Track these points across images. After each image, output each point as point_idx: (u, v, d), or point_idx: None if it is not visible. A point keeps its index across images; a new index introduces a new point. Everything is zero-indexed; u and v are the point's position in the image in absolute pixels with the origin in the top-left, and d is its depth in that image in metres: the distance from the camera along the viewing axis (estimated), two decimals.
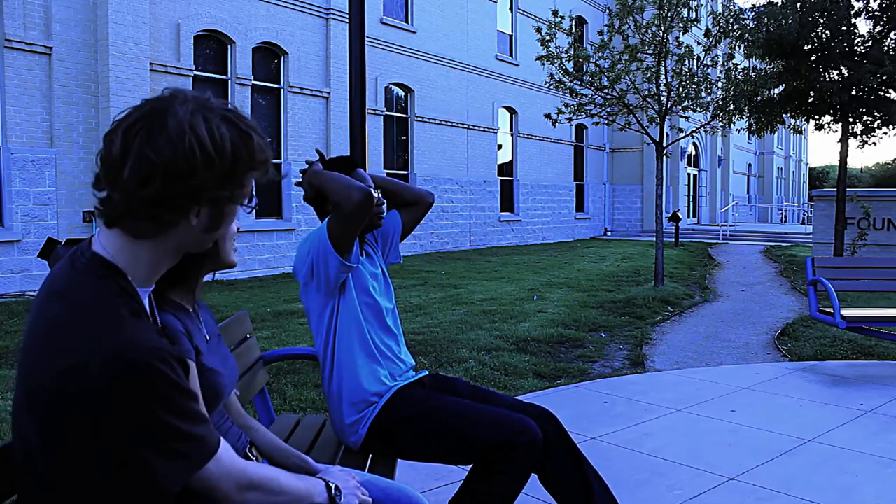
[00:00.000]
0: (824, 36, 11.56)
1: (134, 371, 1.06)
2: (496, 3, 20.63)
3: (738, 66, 10.97)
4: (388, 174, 16.82)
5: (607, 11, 11.24)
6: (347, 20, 6.46)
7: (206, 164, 1.12)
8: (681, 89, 10.00)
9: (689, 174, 30.00)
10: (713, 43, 10.27)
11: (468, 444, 2.21)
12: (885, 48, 11.36)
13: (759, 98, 11.75)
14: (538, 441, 2.18)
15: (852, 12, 11.50)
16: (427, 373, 2.51)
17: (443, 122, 18.51)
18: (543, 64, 10.43)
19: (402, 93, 17.54)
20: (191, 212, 1.15)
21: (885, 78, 11.31)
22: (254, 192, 1.27)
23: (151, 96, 1.18)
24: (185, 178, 1.11)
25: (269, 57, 13.94)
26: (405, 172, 17.57)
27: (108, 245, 1.17)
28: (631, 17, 9.92)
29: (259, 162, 1.21)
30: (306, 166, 2.35)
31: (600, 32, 10.25)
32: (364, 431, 2.31)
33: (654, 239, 11.08)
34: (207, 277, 1.68)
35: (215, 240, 1.28)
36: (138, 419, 1.07)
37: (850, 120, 12.05)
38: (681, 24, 9.95)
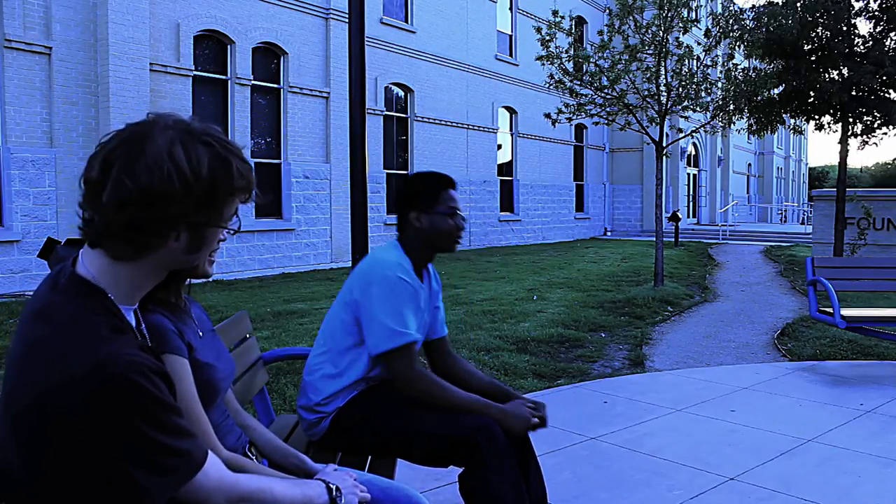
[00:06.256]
0: (824, 36, 11.57)
1: (113, 385, 1.05)
2: (496, 3, 20.63)
3: (738, 66, 10.97)
4: (388, 174, 16.85)
5: (607, 11, 11.23)
6: (347, 20, 6.46)
7: (184, 190, 1.13)
8: (681, 89, 10.00)
9: (688, 174, 30.00)
10: (713, 43, 10.27)
11: (423, 441, 2.24)
12: (886, 48, 11.36)
13: (759, 98, 11.75)
14: (497, 435, 2.18)
15: (852, 12, 11.50)
16: None
17: (442, 122, 18.51)
18: (543, 64, 10.42)
19: (401, 93, 17.53)
20: (169, 237, 1.16)
21: (885, 78, 11.32)
22: (237, 216, 1.28)
23: (134, 122, 1.19)
24: (161, 204, 1.12)
25: (268, 57, 13.94)
26: (405, 172, 17.57)
27: (90, 265, 1.18)
28: (631, 17, 9.92)
29: (238, 189, 1.22)
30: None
31: (600, 32, 10.24)
32: (326, 424, 2.34)
33: (654, 239, 11.08)
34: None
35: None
36: (120, 434, 1.06)
37: (850, 120, 12.06)
38: (681, 25, 9.94)
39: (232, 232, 1.29)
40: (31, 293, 1.20)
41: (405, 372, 2.25)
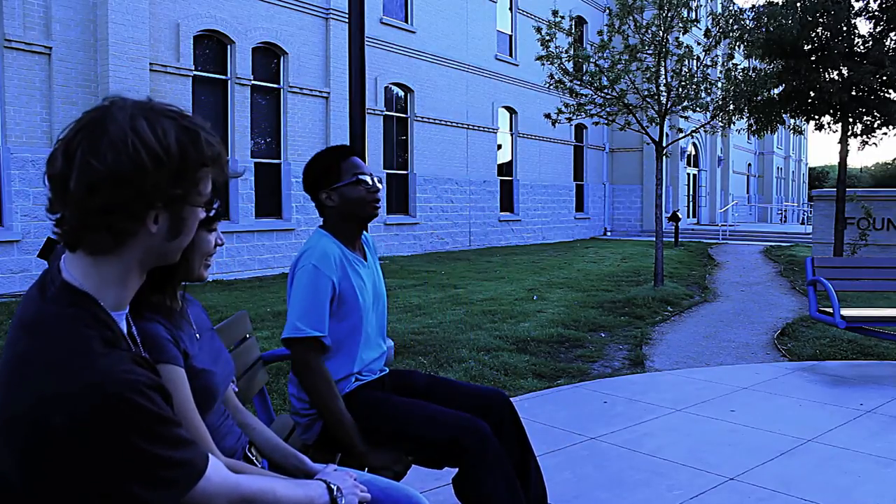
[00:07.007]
0: (824, 36, 11.57)
1: (109, 405, 1.03)
2: (496, 3, 20.63)
3: (738, 66, 10.96)
4: (388, 174, 16.84)
5: (607, 11, 11.24)
6: (347, 20, 6.47)
7: (154, 163, 1.09)
8: (681, 89, 10.00)
9: (688, 174, 30.00)
10: (713, 43, 10.27)
11: (415, 444, 2.25)
12: (886, 48, 11.36)
13: (759, 98, 11.75)
14: (486, 436, 2.17)
15: (852, 12, 11.50)
16: (388, 371, 2.54)
17: (442, 122, 18.51)
18: (543, 64, 10.42)
19: (401, 93, 17.53)
20: (147, 217, 1.12)
21: (885, 78, 11.32)
22: (213, 196, 1.24)
23: (90, 108, 1.15)
24: (133, 181, 1.08)
25: (268, 57, 13.94)
26: (405, 172, 17.57)
27: (74, 270, 1.14)
28: (631, 17, 9.92)
29: (209, 157, 1.17)
30: None
31: (600, 32, 10.24)
32: (319, 427, 2.35)
33: (654, 239, 11.08)
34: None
35: (182, 251, 1.24)
36: (119, 452, 1.04)
37: (850, 120, 12.06)
38: (681, 25, 9.95)
39: (212, 213, 1.26)
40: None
41: (300, 360, 2.29)
